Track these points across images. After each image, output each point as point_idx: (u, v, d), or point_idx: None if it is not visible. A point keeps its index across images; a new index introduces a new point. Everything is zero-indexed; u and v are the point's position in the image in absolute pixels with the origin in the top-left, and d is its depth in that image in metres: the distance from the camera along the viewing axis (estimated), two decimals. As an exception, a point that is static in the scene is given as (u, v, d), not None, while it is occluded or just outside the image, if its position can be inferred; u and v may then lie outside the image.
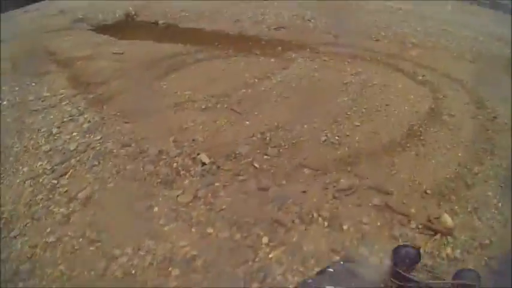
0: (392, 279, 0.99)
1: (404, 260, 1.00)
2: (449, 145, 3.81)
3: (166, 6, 8.68)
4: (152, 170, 3.50)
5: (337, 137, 3.76)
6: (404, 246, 1.09)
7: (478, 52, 5.71)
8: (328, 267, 0.98)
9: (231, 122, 4.19)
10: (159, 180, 3.37)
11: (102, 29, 7.79)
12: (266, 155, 3.56)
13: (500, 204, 3.15)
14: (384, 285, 0.99)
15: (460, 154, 3.70)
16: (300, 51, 6.24)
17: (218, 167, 3.45)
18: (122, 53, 6.21)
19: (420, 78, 5.21)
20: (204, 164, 3.48)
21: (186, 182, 3.34)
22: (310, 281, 0.96)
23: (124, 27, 7.82)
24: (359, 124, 4.00)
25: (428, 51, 5.95)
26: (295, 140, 3.73)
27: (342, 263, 1.02)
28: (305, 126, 3.96)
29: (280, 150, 3.61)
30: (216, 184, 3.25)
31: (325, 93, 4.67)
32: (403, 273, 0.98)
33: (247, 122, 4.14)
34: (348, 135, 3.81)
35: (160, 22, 8.20)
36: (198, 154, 3.60)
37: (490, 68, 5.22)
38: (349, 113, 4.21)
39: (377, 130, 3.90)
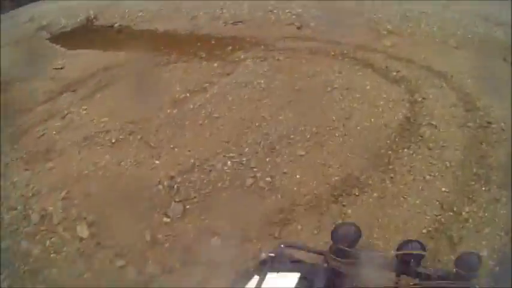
0: (333, 256, 0.92)
1: (344, 237, 0.97)
2: (429, 175, 2.74)
3: (127, 7, 7.62)
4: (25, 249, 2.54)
5: (268, 178, 2.70)
6: (344, 224, 1.05)
7: (464, 36, 4.53)
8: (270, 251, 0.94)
9: (139, 162, 3.15)
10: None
11: (58, 37, 6.88)
12: (166, 215, 2.50)
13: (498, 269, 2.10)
14: (327, 263, 0.92)
15: (443, 189, 2.63)
16: (252, 49, 5.14)
17: (98, 244, 2.42)
18: (62, 68, 5.42)
19: (394, 74, 4.08)
20: (81, 239, 2.45)
21: (54, 271, 2.33)
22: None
23: (80, 34, 6.91)
24: (303, 153, 2.93)
25: (405, 38, 4.78)
26: (211, 188, 2.68)
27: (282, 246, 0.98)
28: (229, 162, 2.89)
29: (187, 206, 2.56)
30: (85, 275, 2.22)
31: (267, 108, 3.58)
32: (344, 248, 0.93)
33: (157, 162, 3.09)
34: (285, 173, 2.74)
35: (115, 25, 7.20)
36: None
37: (479, 54, 4.06)
38: (292, 136, 3.13)
39: (327, 161, 2.83)
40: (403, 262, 0.98)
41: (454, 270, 0.98)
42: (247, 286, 0.80)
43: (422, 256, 1.01)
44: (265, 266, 0.90)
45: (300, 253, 0.97)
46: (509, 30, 4.37)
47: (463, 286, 0.93)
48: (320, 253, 0.98)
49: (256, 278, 0.83)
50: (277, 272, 0.89)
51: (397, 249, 1.00)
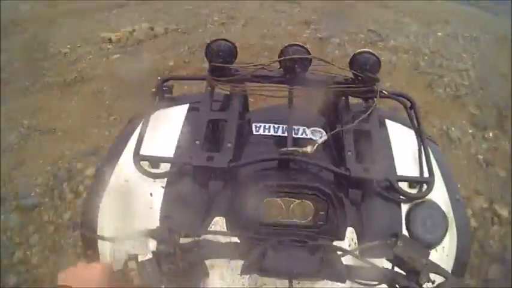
0: (211, 77, 0.82)
1: (218, 53, 0.83)
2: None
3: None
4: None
5: None
6: (217, 40, 0.85)
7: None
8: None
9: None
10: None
11: None
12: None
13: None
14: (210, 87, 0.84)
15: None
16: None
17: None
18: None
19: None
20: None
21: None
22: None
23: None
24: None
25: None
26: None
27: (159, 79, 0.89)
28: None
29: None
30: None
31: None
32: (220, 65, 0.82)
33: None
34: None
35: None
36: None
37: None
38: None
39: None
40: (288, 70, 0.86)
41: (351, 72, 0.88)
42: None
43: (308, 60, 0.86)
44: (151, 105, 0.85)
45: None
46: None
47: (366, 89, 0.85)
48: (202, 78, 0.91)
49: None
50: (165, 108, 0.86)
51: (279, 57, 0.86)
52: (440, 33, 5.25)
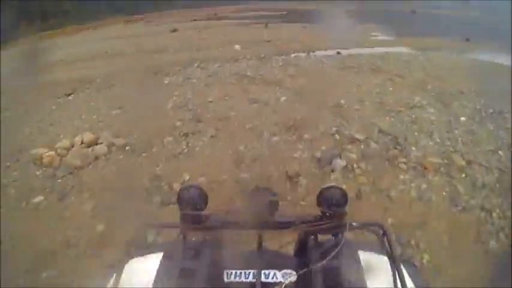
0: (183, 225, 0.84)
1: (189, 201, 0.85)
2: None
3: None
4: None
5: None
6: (188, 186, 0.87)
7: None
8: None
9: None
10: None
11: None
12: None
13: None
14: (182, 235, 0.84)
15: None
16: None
17: None
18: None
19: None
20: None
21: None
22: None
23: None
24: None
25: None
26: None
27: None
28: None
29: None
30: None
31: None
32: (191, 213, 0.84)
33: None
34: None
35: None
36: None
37: None
38: None
39: None
40: (257, 215, 0.84)
41: (320, 209, 0.86)
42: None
43: (276, 203, 0.85)
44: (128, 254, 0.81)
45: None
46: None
47: (333, 225, 0.82)
48: (175, 226, 0.85)
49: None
50: (142, 255, 0.82)
51: (248, 202, 0.84)
52: (463, 117, 4.15)
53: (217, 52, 8.69)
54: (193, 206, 0.85)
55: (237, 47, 8.91)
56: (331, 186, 0.86)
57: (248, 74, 6.21)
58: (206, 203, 0.88)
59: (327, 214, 0.84)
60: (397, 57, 7.71)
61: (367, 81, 5.39)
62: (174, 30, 14.45)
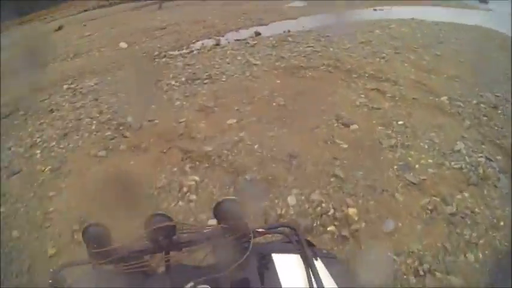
0: (93, 261, 0.80)
1: (93, 239, 0.81)
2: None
3: None
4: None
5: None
6: (94, 225, 0.84)
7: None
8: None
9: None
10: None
11: None
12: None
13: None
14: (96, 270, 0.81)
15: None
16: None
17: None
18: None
19: None
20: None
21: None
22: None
23: None
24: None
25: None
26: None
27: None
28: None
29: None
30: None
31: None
32: (96, 250, 0.79)
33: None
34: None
35: None
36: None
37: None
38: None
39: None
40: (155, 240, 0.80)
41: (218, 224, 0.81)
42: None
43: (172, 226, 0.80)
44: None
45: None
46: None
47: (237, 236, 0.78)
48: (87, 263, 0.81)
49: None
50: None
51: (145, 228, 0.80)
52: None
53: (97, 58, 6.54)
54: (98, 244, 0.81)
55: (123, 44, 6.81)
56: (227, 199, 0.84)
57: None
58: (110, 238, 0.83)
59: (228, 226, 0.81)
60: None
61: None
62: (59, 28, 11.43)
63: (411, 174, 2.97)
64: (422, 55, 5.34)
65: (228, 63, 5.44)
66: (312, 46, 5.68)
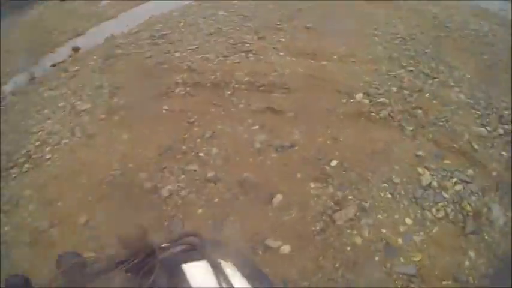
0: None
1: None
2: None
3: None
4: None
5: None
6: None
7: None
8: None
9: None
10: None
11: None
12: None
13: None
14: None
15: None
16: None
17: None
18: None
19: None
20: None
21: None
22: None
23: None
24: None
25: None
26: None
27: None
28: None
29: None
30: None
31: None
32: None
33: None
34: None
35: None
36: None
37: None
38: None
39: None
40: (69, 279, 0.82)
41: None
42: None
43: (82, 263, 0.83)
44: None
45: None
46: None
47: (143, 259, 0.79)
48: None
49: None
50: None
51: (57, 269, 0.83)
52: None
53: None
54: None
55: None
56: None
57: None
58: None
59: (135, 250, 0.80)
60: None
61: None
62: None
63: (401, 259, 1.79)
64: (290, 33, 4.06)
65: (49, 120, 3.17)
66: (151, 57, 3.76)
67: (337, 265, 1.81)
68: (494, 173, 2.24)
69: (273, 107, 2.82)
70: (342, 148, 2.41)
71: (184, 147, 2.55)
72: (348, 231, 1.93)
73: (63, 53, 4.74)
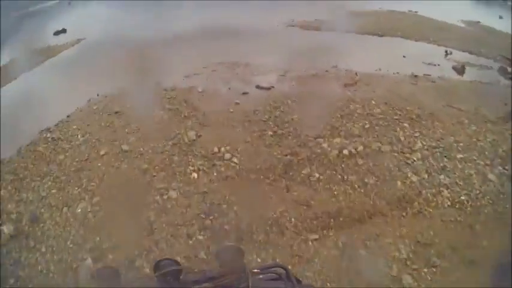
0: None
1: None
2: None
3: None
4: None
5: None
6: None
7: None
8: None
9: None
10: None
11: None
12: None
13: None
14: None
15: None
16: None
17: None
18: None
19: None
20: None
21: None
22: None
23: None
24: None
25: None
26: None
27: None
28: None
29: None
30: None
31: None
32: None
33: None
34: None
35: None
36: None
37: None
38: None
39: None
40: (163, 282, 0.92)
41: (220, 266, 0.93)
42: None
43: (178, 271, 0.93)
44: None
45: None
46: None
47: (234, 277, 0.87)
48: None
49: None
50: None
51: (154, 271, 0.93)
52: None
53: None
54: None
55: None
56: (230, 245, 0.99)
57: None
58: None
59: (229, 269, 0.87)
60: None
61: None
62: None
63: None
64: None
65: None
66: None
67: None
68: None
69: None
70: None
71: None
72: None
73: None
